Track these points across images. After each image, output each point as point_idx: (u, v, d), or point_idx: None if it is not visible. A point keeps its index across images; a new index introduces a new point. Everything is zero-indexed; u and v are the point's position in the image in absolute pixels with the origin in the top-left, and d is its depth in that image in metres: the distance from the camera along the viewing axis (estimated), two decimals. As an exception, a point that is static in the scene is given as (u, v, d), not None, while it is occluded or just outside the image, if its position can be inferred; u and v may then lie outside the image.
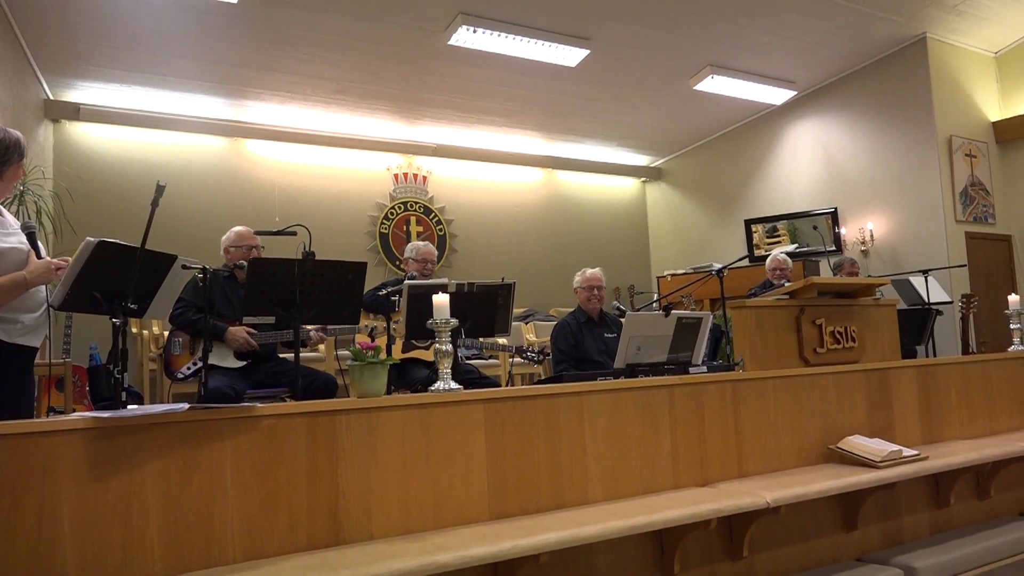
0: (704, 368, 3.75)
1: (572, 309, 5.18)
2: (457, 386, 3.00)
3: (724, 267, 4.93)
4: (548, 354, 4.85)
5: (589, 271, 5.04)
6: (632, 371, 3.65)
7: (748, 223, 9.82)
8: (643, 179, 11.03)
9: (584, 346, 4.91)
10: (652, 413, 3.30)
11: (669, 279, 8.99)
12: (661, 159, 10.93)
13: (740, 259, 6.11)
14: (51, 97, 7.31)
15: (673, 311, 3.88)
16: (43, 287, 2.98)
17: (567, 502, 3.02)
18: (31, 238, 2.95)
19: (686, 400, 3.41)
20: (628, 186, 10.96)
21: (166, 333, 5.59)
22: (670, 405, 3.36)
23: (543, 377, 6.19)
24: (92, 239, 2.82)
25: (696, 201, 10.61)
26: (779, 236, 9.60)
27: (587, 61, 7.59)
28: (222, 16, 6.22)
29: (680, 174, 10.79)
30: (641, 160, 10.85)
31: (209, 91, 7.52)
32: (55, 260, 2.92)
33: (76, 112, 7.39)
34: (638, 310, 7.40)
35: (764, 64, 8.38)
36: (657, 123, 9.58)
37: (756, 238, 9.76)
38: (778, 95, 9.12)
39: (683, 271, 9.19)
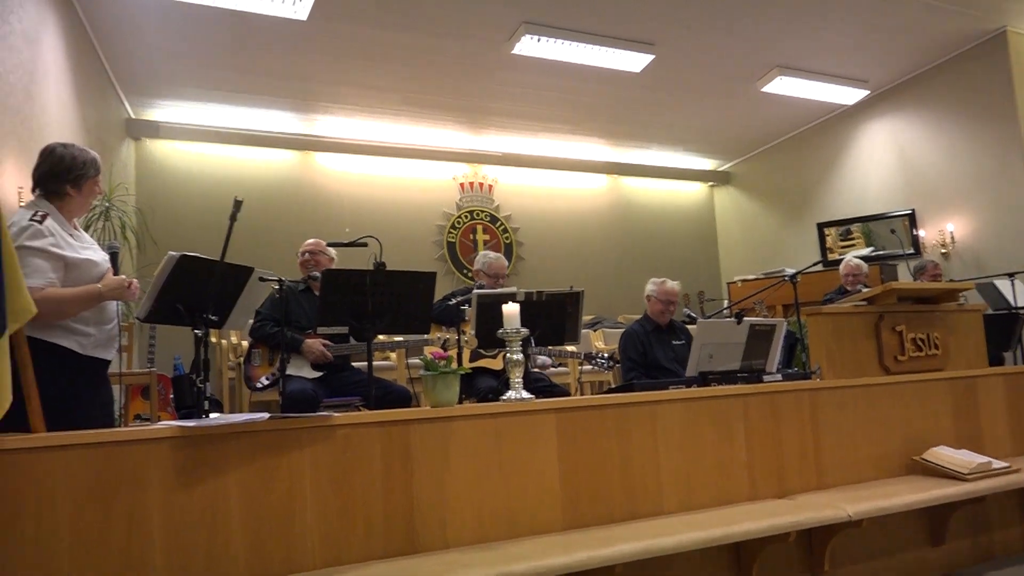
0: (779, 376, 3.68)
1: (639, 316, 5.13)
2: (529, 395, 3.00)
3: (797, 272, 4.82)
4: (617, 361, 4.82)
5: (668, 284, 4.97)
6: (704, 379, 3.60)
7: (821, 226, 9.60)
8: (710, 183, 10.88)
9: (653, 353, 4.86)
10: (726, 422, 3.25)
11: (740, 285, 8.84)
12: (729, 163, 10.77)
13: (814, 264, 5.97)
14: (133, 116, 7.60)
15: (745, 318, 3.82)
16: (115, 303, 3.07)
17: (641, 512, 3.00)
18: (113, 258, 3.06)
19: (761, 409, 3.35)
20: (695, 190, 10.82)
21: (244, 343, 5.75)
22: (745, 414, 3.30)
23: (613, 385, 6.15)
24: (174, 253, 2.93)
25: (766, 204, 10.42)
26: (853, 239, 9.35)
27: (652, 66, 7.54)
28: (292, 33, 6.38)
29: (749, 177, 10.61)
30: (708, 164, 10.72)
31: (280, 106, 7.72)
32: (130, 278, 3.01)
33: (156, 130, 7.67)
34: (708, 317, 7.30)
35: (834, 64, 8.19)
36: (724, 126, 9.45)
37: (829, 241, 9.54)
38: (850, 95, 8.90)
39: (754, 277, 9.02)
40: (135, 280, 3.02)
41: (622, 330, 5.52)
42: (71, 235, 2.97)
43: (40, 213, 2.90)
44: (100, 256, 3.02)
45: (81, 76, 5.77)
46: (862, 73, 8.53)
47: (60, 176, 2.97)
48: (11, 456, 2.16)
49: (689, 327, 5.11)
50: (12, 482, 2.15)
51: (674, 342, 4.99)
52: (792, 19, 7.16)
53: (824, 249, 9.50)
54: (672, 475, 3.09)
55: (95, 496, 2.22)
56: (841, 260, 6.92)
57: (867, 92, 8.93)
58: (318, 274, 4.31)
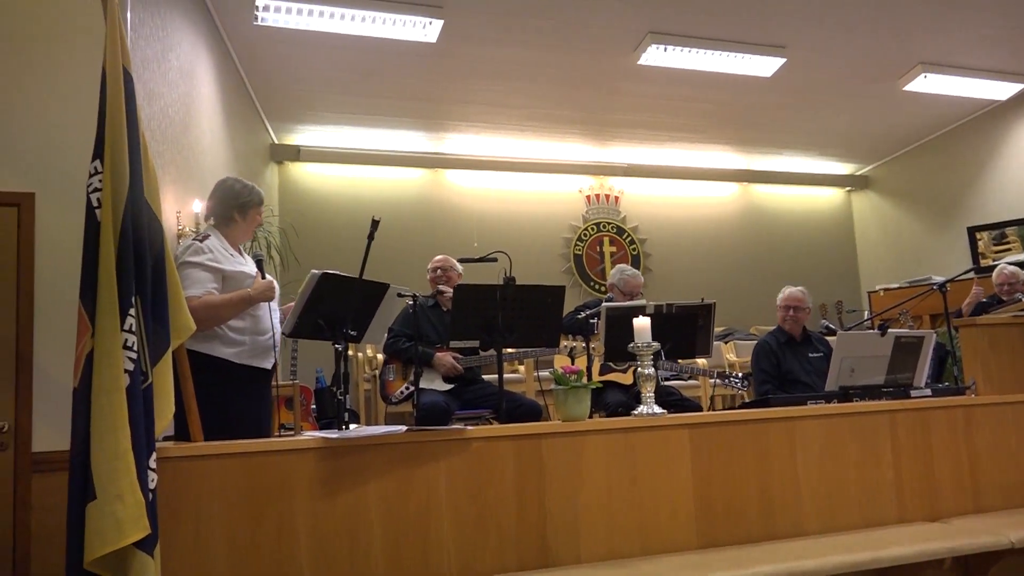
0: (928, 391, 3.47)
1: (773, 327, 4.97)
2: (661, 410, 2.96)
3: (947, 280, 4.53)
4: (751, 379, 4.68)
5: (788, 290, 4.82)
6: (846, 394, 3.44)
7: (971, 231, 8.99)
8: (848, 188, 10.41)
9: (787, 366, 4.70)
10: (871, 440, 3.10)
11: (882, 294, 8.40)
12: (867, 166, 10.27)
13: (965, 272, 5.58)
14: (276, 141, 8.05)
15: (890, 329, 3.63)
16: (271, 315, 3.26)
17: (779, 533, 2.89)
18: (259, 264, 3.29)
19: (910, 426, 3.17)
20: (831, 196, 10.38)
21: (379, 356, 5.94)
22: (892, 432, 3.13)
23: (747, 400, 5.97)
24: (317, 272, 3.06)
25: (909, 209, 9.86)
26: (1008, 244, 8.71)
27: (784, 69, 7.31)
28: (422, 55, 6.58)
29: (890, 181, 10.08)
30: (845, 169, 10.26)
31: (411, 126, 7.97)
32: (271, 281, 3.22)
33: (297, 153, 8.09)
34: (848, 328, 6.97)
35: (985, 57, 7.67)
36: (862, 129, 9.03)
37: (981, 247, 8.92)
38: (1004, 89, 8.30)
39: (897, 285, 8.55)
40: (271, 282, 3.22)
41: (755, 342, 5.36)
42: (231, 254, 3.24)
43: (202, 235, 3.22)
44: (253, 269, 3.24)
45: (230, 106, 6.17)
46: (1017, 66, 7.95)
47: (228, 203, 3.29)
48: (172, 463, 2.32)
49: (828, 339, 4.90)
50: (173, 488, 2.31)
51: (811, 354, 4.81)
52: (936, 13, 6.76)
53: (976, 255, 8.88)
54: (813, 494, 2.96)
55: (248, 503, 2.35)
56: (995, 267, 6.46)
57: (1022, 86, 8.32)
58: (446, 289, 4.42)
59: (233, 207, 3.29)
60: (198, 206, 4.70)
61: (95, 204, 2.31)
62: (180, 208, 4.48)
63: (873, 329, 3.63)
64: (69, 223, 3.16)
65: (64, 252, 3.16)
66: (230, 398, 3.07)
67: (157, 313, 2.41)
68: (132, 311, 2.29)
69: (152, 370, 2.30)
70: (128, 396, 2.21)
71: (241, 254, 3.35)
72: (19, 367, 3.13)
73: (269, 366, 3.26)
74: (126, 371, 2.23)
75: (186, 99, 4.76)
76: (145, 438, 2.21)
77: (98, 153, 2.34)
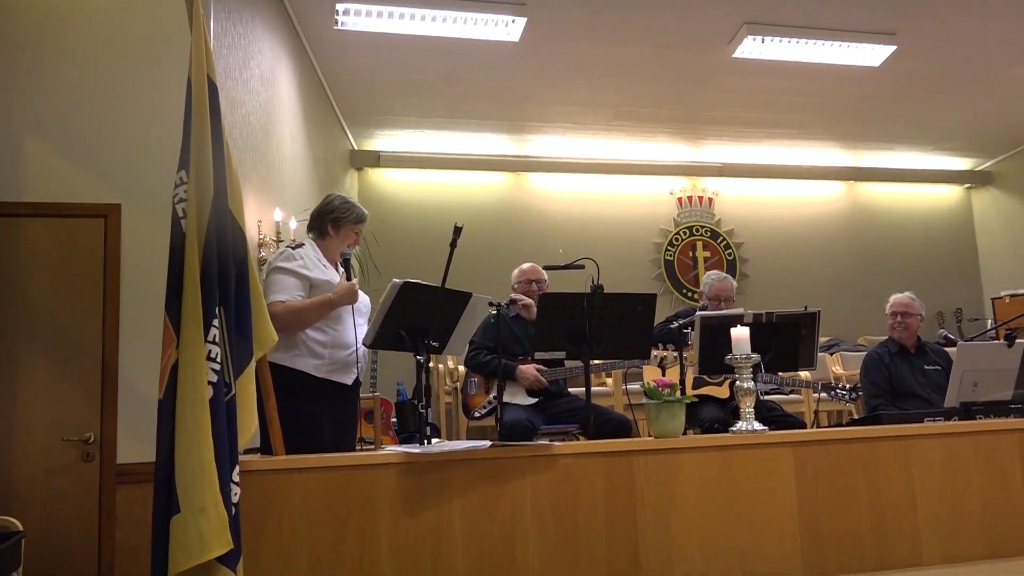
0: (1064, 409, 3.28)
1: (883, 337, 4.79)
2: (761, 427, 2.89)
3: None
4: (860, 391, 4.52)
5: (895, 296, 4.64)
6: (968, 411, 3.29)
7: (1111, 230, 8.48)
8: (967, 185, 9.97)
9: (899, 379, 4.52)
10: (999, 461, 2.94)
11: (1007, 301, 8.00)
12: (989, 161, 9.81)
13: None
14: (355, 147, 8.25)
15: (1018, 340, 3.45)
16: (355, 329, 3.32)
17: (894, 561, 2.78)
18: (345, 264, 3.41)
19: (1043, 447, 3.00)
20: (947, 194, 9.96)
21: (460, 368, 5.98)
22: (1022, 453, 2.97)
23: (855, 416, 5.78)
24: (398, 280, 3.11)
25: (1038, 207, 9.38)
26: None
27: (893, 58, 7.05)
28: (504, 55, 6.63)
29: (1016, 176, 9.59)
30: (963, 164, 9.83)
31: (493, 128, 8.04)
32: (353, 283, 3.31)
33: (377, 159, 8.28)
34: (970, 339, 6.65)
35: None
36: (983, 120, 8.62)
37: (1123, 248, 8.40)
38: None
39: (1025, 291, 8.14)
40: (355, 283, 3.31)
41: (863, 354, 5.18)
42: (324, 265, 3.36)
43: (297, 243, 3.39)
44: (337, 277, 3.35)
45: (310, 112, 6.34)
46: None
47: (324, 216, 3.44)
48: (255, 477, 2.39)
49: (947, 350, 4.70)
50: (256, 501, 2.37)
51: (926, 367, 4.62)
52: (1067, -9, 6.42)
53: (1117, 257, 8.39)
54: (931, 520, 2.83)
55: (330, 516, 2.40)
56: None
57: None
58: (519, 298, 4.42)
59: (328, 220, 3.43)
60: (279, 214, 4.85)
61: (180, 215, 2.39)
62: (261, 217, 4.61)
63: (998, 340, 3.45)
64: (155, 234, 3.30)
65: (149, 263, 3.30)
66: (311, 411, 3.14)
67: (240, 324, 2.48)
68: (216, 322, 2.37)
69: (235, 382, 2.38)
70: (211, 408, 2.29)
71: (336, 267, 3.46)
72: (104, 378, 3.28)
73: (350, 382, 3.32)
74: (210, 383, 2.30)
75: (267, 106, 4.92)
76: (228, 451, 2.28)
77: (183, 163, 2.43)
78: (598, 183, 8.76)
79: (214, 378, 2.30)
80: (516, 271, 4.73)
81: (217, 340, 2.34)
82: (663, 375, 4.13)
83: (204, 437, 2.24)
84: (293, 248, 3.34)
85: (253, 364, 2.47)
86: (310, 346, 3.22)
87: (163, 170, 3.26)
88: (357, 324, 3.37)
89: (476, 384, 4.50)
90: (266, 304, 2.73)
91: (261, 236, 4.57)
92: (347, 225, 3.44)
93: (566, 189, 8.69)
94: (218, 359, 2.33)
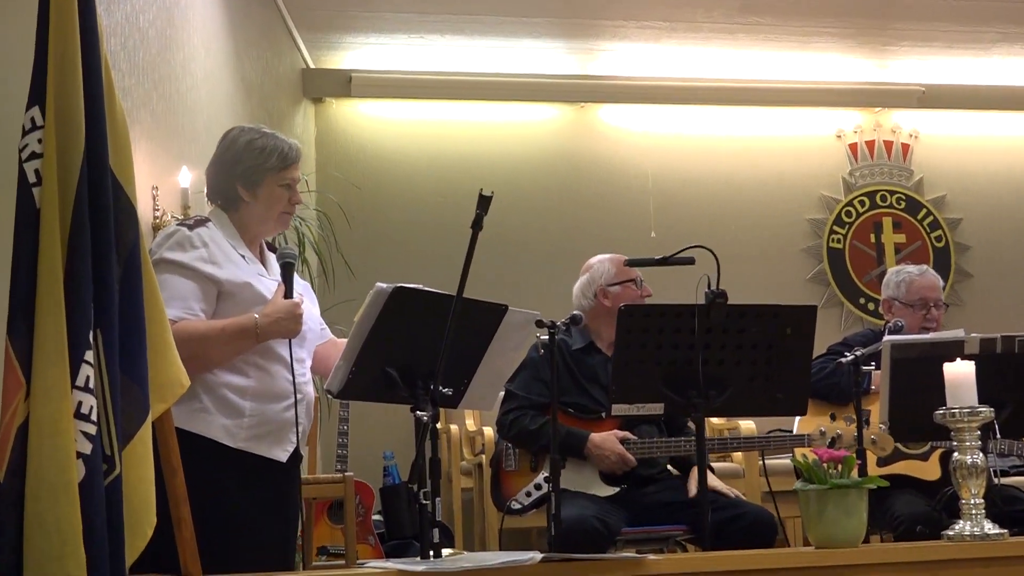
0: None
1: None
2: (997, 529, 2.84)
3: None
4: None
5: None
6: None
7: None
8: None
9: None
10: None
11: None
12: None
13: None
14: (311, 65, 8.16)
15: None
16: (294, 366, 3.26)
17: None
18: (285, 270, 3.28)
19: None
20: None
21: (488, 431, 5.87)
22: None
23: None
24: (385, 285, 3.06)
25: None
26: None
27: None
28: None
29: None
30: None
31: (539, 32, 7.87)
32: (297, 302, 3.21)
33: (346, 84, 8.14)
34: None
35: None
36: None
37: None
38: None
39: None
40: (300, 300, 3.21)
41: None
42: (241, 255, 3.27)
43: (197, 219, 3.29)
44: (274, 283, 3.28)
45: (239, 10, 6.31)
46: None
47: (228, 171, 3.31)
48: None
49: None
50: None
51: None
52: None
53: None
54: None
55: None
56: None
57: None
58: (578, 315, 4.30)
59: (235, 177, 3.30)
60: (187, 176, 4.83)
61: (32, 180, 2.34)
62: (158, 181, 4.59)
63: None
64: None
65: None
66: (224, 503, 3.11)
67: (130, 359, 2.45)
68: (90, 356, 2.32)
69: (121, 454, 2.32)
70: (83, 496, 2.20)
71: (262, 257, 3.41)
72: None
73: (284, 457, 3.27)
74: (80, 456, 2.23)
75: (168, 2, 4.91)
76: (110, 568, 2.21)
77: (36, 98, 2.38)
78: (714, 121, 8.62)
79: (87, 448, 2.24)
80: (601, 261, 4.62)
81: (92, 385, 2.28)
82: (831, 445, 4.01)
83: (70, 544, 2.16)
84: (190, 228, 3.21)
85: (149, 425, 2.38)
86: (220, 395, 3.15)
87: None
88: (299, 358, 3.30)
89: (514, 456, 4.46)
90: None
91: (158, 212, 4.55)
92: (269, 178, 3.29)
93: (660, 131, 8.56)
94: (94, 416, 2.27)
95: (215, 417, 3.11)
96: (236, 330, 3.09)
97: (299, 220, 6.01)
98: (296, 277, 3.35)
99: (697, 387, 3.32)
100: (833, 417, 4.21)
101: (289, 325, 3.14)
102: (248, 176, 3.27)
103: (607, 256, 4.63)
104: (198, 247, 3.14)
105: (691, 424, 3.88)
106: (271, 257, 3.44)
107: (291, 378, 3.24)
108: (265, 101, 6.82)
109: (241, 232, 3.31)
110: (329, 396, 3.24)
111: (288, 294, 3.20)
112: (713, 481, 4.26)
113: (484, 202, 3.07)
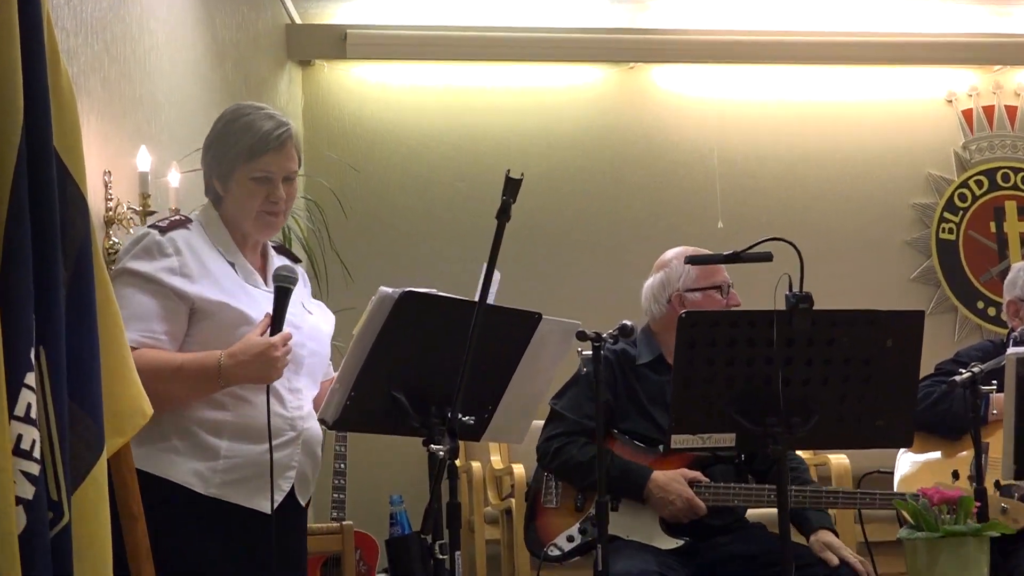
0: None
1: None
2: None
3: None
4: None
5: None
6: None
7: None
8: None
9: None
10: None
11: None
12: None
13: None
14: (297, 20, 8.20)
15: None
16: (284, 398, 3.27)
17: None
18: (279, 295, 3.17)
19: None
20: None
21: (518, 468, 5.87)
22: None
23: None
24: (390, 290, 3.06)
25: None
26: None
27: None
28: None
29: None
30: None
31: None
32: (283, 337, 3.12)
33: (340, 42, 8.14)
34: None
35: None
36: None
37: None
38: None
39: None
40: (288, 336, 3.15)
41: None
42: (231, 264, 3.27)
43: (175, 219, 3.29)
44: (263, 306, 3.23)
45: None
46: None
47: (204, 157, 3.35)
48: None
49: None
50: None
51: None
52: None
53: None
54: None
55: None
56: None
57: None
58: (627, 325, 4.31)
59: (208, 166, 3.32)
60: (146, 159, 4.84)
61: None
62: (111, 165, 4.63)
63: None
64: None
65: None
66: (198, 559, 3.13)
67: (80, 382, 2.44)
68: (31, 378, 2.33)
69: (69, 500, 2.33)
70: (24, 550, 2.20)
71: (264, 263, 3.41)
72: None
73: (267, 507, 3.23)
74: (19, 501, 2.23)
75: None
76: None
77: None
78: (794, 84, 8.64)
79: (29, 492, 2.25)
80: (680, 258, 4.59)
81: (34, 415, 2.29)
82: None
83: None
84: (163, 231, 3.18)
85: (105, 464, 2.39)
86: (190, 432, 3.16)
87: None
88: (293, 388, 3.31)
89: (556, 491, 4.45)
90: None
91: (112, 202, 4.59)
92: (239, 168, 3.25)
93: (728, 96, 8.58)
94: (36, 453, 2.28)
95: (184, 459, 3.11)
96: (196, 370, 3.08)
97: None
98: (305, 294, 3.41)
99: (777, 413, 3.30)
100: (956, 475, 4.19)
101: (262, 371, 3.07)
102: (218, 165, 3.29)
103: (670, 254, 4.64)
104: (168, 255, 3.12)
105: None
106: (276, 266, 3.39)
107: (285, 412, 3.24)
108: (241, 64, 6.84)
109: (232, 233, 3.31)
110: (326, 427, 3.24)
111: (277, 325, 3.12)
112: (826, 537, 4.25)
113: (512, 186, 3.06)
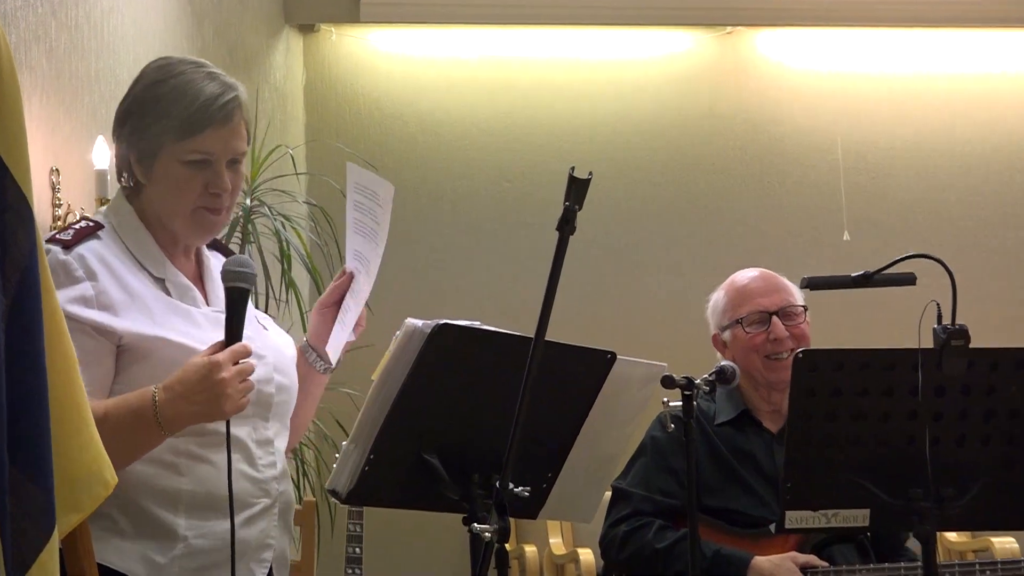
0: None
1: None
2: None
3: None
4: None
5: None
6: None
7: None
8: None
9: None
10: None
11: None
12: None
13: None
14: (296, -22, 8.16)
15: None
16: (249, 460, 3.22)
17: None
18: (232, 300, 3.05)
19: None
20: None
21: (584, 553, 5.88)
22: None
23: None
24: (420, 323, 3.05)
25: None
26: None
27: None
28: None
29: None
30: None
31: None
32: (233, 352, 2.95)
33: (352, 3, 8.09)
34: None
35: None
36: None
37: None
38: None
39: None
40: (243, 351, 3.03)
41: None
42: (159, 280, 3.17)
43: (79, 224, 3.21)
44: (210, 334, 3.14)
45: None
46: None
47: (118, 131, 3.22)
48: None
49: None
50: None
51: None
52: None
53: None
54: None
55: None
56: None
57: None
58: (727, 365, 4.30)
59: (125, 142, 3.20)
60: (103, 151, 4.84)
61: None
62: (59, 161, 4.65)
63: None
64: None
65: None
66: None
67: (26, 444, 2.43)
68: None
69: None
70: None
71: (200, 266, 3.34)
72: None
73: None
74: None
75: None
76: None
77: None
78: (938, 54, 8.58)
79: None
80: (725, 293, 4.64)
81: None
82: None
83: None
84: (66, 247, 3.05)
85: (56, 546, 2.39)
86: (139, 508, 3.10)
87: None
88: (262, 439, 3.24)
89: None
90: None
91: (60, 208, 4.62)
92: (167, 148, 3.13)
93: (853, 70, 8.53)
94: None
95: (130, 542, 3.06)
96: (125, 415, 2.94)
97: (282, 220, 6.02)
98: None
99: (923, 482, 3.28)
100: None
101: (209, 403, 2.91)
102: (137, 142, 3.15)
103: (743, 276, 4.68)
104: (78, 279, 3.00)
105: (914, 541, 3.85)
106: (216, 268, 3.31)
107: (254, 472, 3.19)
108: (225, 30, 6.86)
109: (156, 235, 3.18)
110: (336, 500, 3.22)
111: (233, 336, 2.98)
112: None
113: (578, 189, 3.01)
